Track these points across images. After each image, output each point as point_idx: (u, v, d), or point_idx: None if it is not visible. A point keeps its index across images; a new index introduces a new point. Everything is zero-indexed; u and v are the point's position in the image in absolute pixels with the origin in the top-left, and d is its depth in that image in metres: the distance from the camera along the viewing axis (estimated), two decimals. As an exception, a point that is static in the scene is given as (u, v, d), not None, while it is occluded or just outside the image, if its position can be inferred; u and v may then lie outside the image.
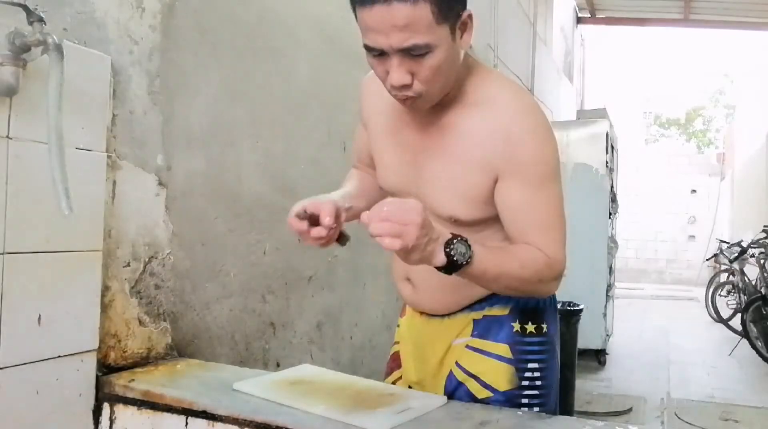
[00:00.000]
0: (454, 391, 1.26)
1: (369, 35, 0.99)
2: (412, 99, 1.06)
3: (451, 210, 1.16)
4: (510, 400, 1.22)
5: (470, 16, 1.05)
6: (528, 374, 1.24)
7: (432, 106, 1.12)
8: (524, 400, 1.23)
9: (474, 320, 1.27)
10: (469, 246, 1.01)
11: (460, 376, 1.27)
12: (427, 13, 0.95)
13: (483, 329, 1.26)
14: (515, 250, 1.11)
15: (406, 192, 1.21)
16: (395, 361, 1.42)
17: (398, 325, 1.44)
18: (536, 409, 1.23)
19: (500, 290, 1.16)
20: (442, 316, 1.30)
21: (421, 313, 1.34)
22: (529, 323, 1.26)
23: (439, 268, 1.01)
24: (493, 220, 1.18)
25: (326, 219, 1.08)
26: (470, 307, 1.27)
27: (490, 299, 1.26)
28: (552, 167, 1.12)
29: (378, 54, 1.01)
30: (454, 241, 1.00)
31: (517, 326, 1.25)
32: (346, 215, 1.18)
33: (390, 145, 1.23)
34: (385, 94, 1.12)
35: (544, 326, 1.27)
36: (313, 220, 1.10)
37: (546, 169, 1.11)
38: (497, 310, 1.26)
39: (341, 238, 1.18)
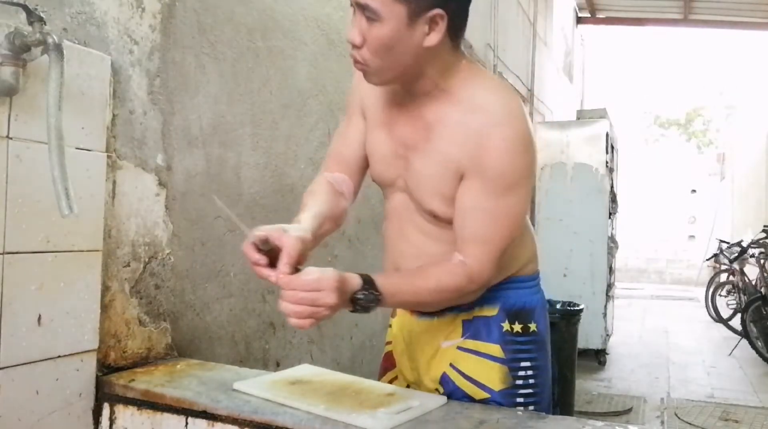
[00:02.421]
0: (451, 394, 1.26)
1: None
2: (361, 65, 1.09)
3: (430, 206, 1.18)
4: (505, 399, 1.24)
5: (441, 17, 1.05)
6: (521, 373, 1.25)
7: (413, 96, 1.15)
8: (520, 399, 1.25)
9: (464, 321, 1.28)
10: (375, 292, 1.05)
11: (456, 378, 1.27)
12: None
13: (474, 330, 1.28)
14: (435, 274, 1.13)
15: (394, 184, 1.25)
16: (389, 361, 1.43)
17: (390, 326, 1.45)
18: (531, 407, 1.24)
19: (422, 307, 1.21)
20: (431, 315, 1.31)
21: (411, 311, 1.35)
22: (516, 323, 1.27)
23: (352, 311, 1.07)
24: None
25: (284, 267, 1.02)
26: (458, 307, 1.28)
27: (479, 300, 1.27)
28: (516, 179, 1.10)
29: (353, 13, 1.07)
30: (359, 296, 1.05)
31: (506, 326, 1.27)
32: (311, 245, 1.14)
33: (384, 138, 1.24)
34: (379, 87, 1.16)
35: (532, 325, 1.29)
36: (272, 253, 1.04)
37: (509, 179, 1.10)
38: (486, 311, 1.27)
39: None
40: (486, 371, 1.25)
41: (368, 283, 1.05)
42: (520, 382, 1.25)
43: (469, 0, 1.11)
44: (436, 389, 1.30)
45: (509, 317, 1.27)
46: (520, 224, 1.17)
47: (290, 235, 1.05)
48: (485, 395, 1.24)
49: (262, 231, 1.05)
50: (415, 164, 1.18)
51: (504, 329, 1.26)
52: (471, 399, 1.24)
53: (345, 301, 1.03)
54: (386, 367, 1.44)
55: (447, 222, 1.18)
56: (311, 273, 1.00)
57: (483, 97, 1.12)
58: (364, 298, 1.05)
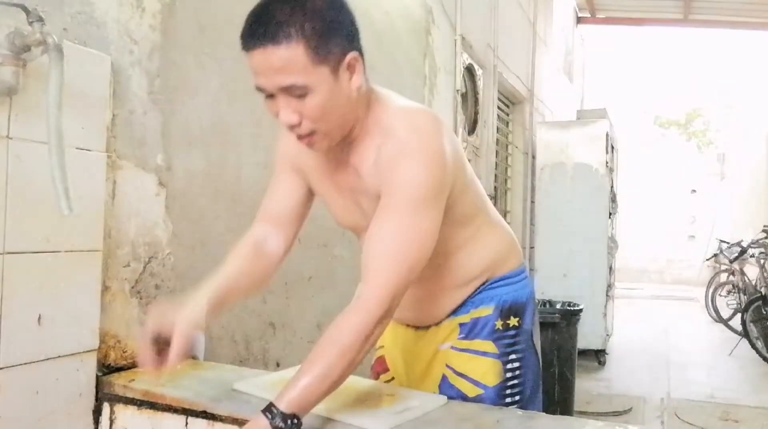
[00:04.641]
0: (448, 393, 1.27)
1: (256, 78, 1.03)
2: (308, 137, 1.07)
3: (366, 251, 1.13)
4: (498, 394, 1.26)
5: (356, 59, 1.05)
6: (510, 366, 1.28)
7: (342, 144, 1.13)
8: (508, 391, 1.27)
9: (461, 324, 1.30)
10: (291, 416, 0.98)
11: (452, 377, 1.29)
12: (300, 54, 0.98)
13: (468, 330, 1.29)
14: (329, 352, 1.02)
15: (359, 226, 1.24)
16: (381, 365, 1.44)
17: None
18: (517, 397, 1.27)
19: (348, 369, 1.07)
20: (427, 326, 1.34)
21: (407, 324, 1.37)
22: (511, 318, 1.30)
23: None
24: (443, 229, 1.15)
25: (174, 359, 1.05)
26: (455, 312, 1.30)
27: (475, 301, 1.30)
28: (422, 200, 1.06)
29: (268, 95, 1.04)
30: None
31: (499, 323, 1.29)
32: (212, 316, 1.14)
33: (332, 188, 1.24)
34: None
35: (522, 319, 1.31)
36: (163, 340, 1.07)
37: (416, 197, 1.06)
38: (483, 311, 1.29)
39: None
40: (481, 368, 1.27)
41: (272, 412, 0.98)
42: (509, 375, 1.28)
43: (358, 31, 1.08)
44: (434, 391, 1.30)
45: (503, 314, 1.29)
46: (428, 243, 1.09)
47: (180, 326, 1.06)
48: (479, 391, 1.26)
49: (154, 324, 1.08)
50: (363, 205, 1.19)
51: (497, 326, 1.28)
52: (464, 396, 1.26)
53: None
54: (379, 371, 1.45)
55: None
56: None
57: (391, 121, 1.11)
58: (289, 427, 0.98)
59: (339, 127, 1.08)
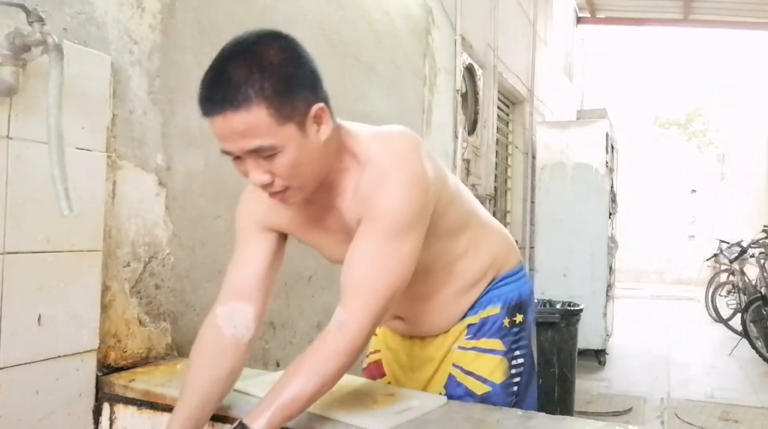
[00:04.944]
0: (455, 391, 1.29)
1: (220, 143, 0.99)
2: (282, 193, 1.03)
3: (345, 272, 1.11)
4: (504, 390, 1.28)
5: (322, 110, 1.01)
6: (515, 361, 1.31)
7: (321, 189, 1.09)
8: (514, 389, 1.30)
9: (469, 325, 1.32)
10: None
11: (459, 376, 1.30)
12: (263, 116, 0.94)
13: (477, 330, 1.31)
14: (303, 371, 1.02)
15: None
16: (378, 370, 1.44)
17: (375, 334, 1.44)
18: (516, 388, 1.30)
19: (322, 393, 1.07)
20: (435, 335, 1.35)
21: (411, 337, 1.38)
22: (517, 315, 1.32)
23: None
24: (429, 249, 1.15)
25: None
26: (466, 314, 1.31)
27: (482, 302, 1.32)
28: (403, 224, 1.04)
29: (235, 158, 1.00)
30: None
31: (507, 321, 1.31)
32: None
33: (321, 234, 1.20)
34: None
35: (524, 316, 1.34)
36: None
37: (396, 222, 1.04)
38: (491, 310, 1.31)
39: None
40: (489, 366, 1.28)
41: None
42: (514, 371, 1.30)
43: (320, 79, 1.04)
44: (440, 392, 1.31)
45: (510, 312, 1.31)
46: (409, 267, 1.07)
47: None
48: (487, 389, 1.27)
49: None
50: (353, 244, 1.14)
51: (504, 324, 1.30)
52: (471, 394, 1.27)
53: None
54: (375, 375, 1.45)
55: (416, 269, 1.13)
56: None
57: (367, 150, 1.08)
58: None
59: (313, 179, 1.05)
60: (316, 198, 1.12)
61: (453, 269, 1.27)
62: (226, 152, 1.00)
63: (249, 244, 1.21)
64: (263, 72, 0.94)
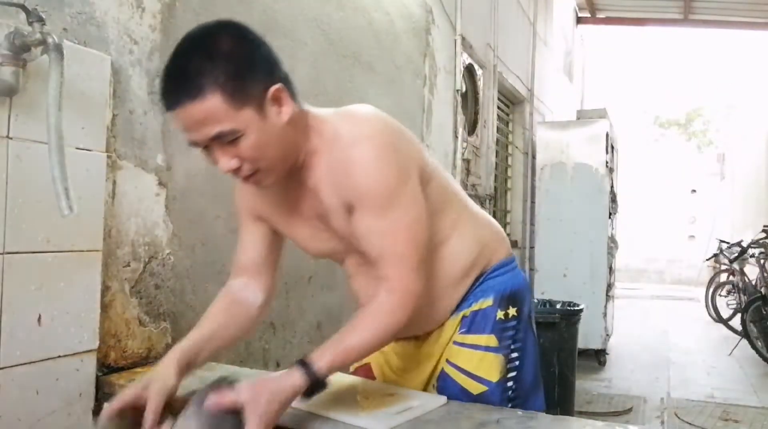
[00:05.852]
0: (446, 389, 1.28)
1: (186, 134, 1.03)
2: (253, 177, 1.07)
3: (368, 252, 1.15)
4: (500, 387, 1.27)
5: (280, 90, 1.03)
6: (512, 355, 1.29)
7: (294, 173, 1.13)
8: (510, 384, 1.28)
9: (463, 317, 1.30)
10: (323, 379, 1.04)
11: (453, 373, 1.28)
12: (218, 103, 0.97)
13: (469, 323, 1.29)
14: (363, 323, 1.10)
15: (335, 252, 1.26)
16: (366, 374, 1.43)
17: None
18: (511, 383, 1.28)
19: (375, 349, 1.18)
20: (428, 333, 1.33)
21: (406, 339, 1.37)
22: (510, 307, 1.31)
23: None
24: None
25: (150, 415, 1.03)
26: (459, 307, 1.30)
27: (476, 293, 1.30)
28: (392, 192, 1.08)
29: (204, 148, 1.04)
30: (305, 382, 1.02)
31: (500, 314, 1.29)
32: (188, 370, 1.15)
33: (298, 222, 1.23)
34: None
35: (518, 309, 1.32)
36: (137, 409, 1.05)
37: (386, 194, 1.08)
38: (483, 303, 1.30)
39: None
40: (485, 364, 1.27)
41: (309, 372, 1.03)
42: (510, 366, 1.29)
43: (277, 61, 1.07)
44: (434, 385, 1.31)
45: (502, 304, 1.30)
46: (421, 231, 1.13)
47: (154, 386, 1.05)
48: (483, 388, 1.26)
49: (118, 402, 1.05)
50: (334, 224, 1.18)
51: (498, 318, 1.29)
52: (467, 393, 1.26)
53: (275, 397, 1.00)
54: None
55: None
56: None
57: (334, 129, 1.11)
58: (314, 387, 1.03)
59: (281, 160, 1.08)
60: (292, 182, 1.15)
61: (439, 255, 1.25)
62: (193, 143, 1.04)
63: (246, 229, 1.29)
64: (214, 60, 0.98)
